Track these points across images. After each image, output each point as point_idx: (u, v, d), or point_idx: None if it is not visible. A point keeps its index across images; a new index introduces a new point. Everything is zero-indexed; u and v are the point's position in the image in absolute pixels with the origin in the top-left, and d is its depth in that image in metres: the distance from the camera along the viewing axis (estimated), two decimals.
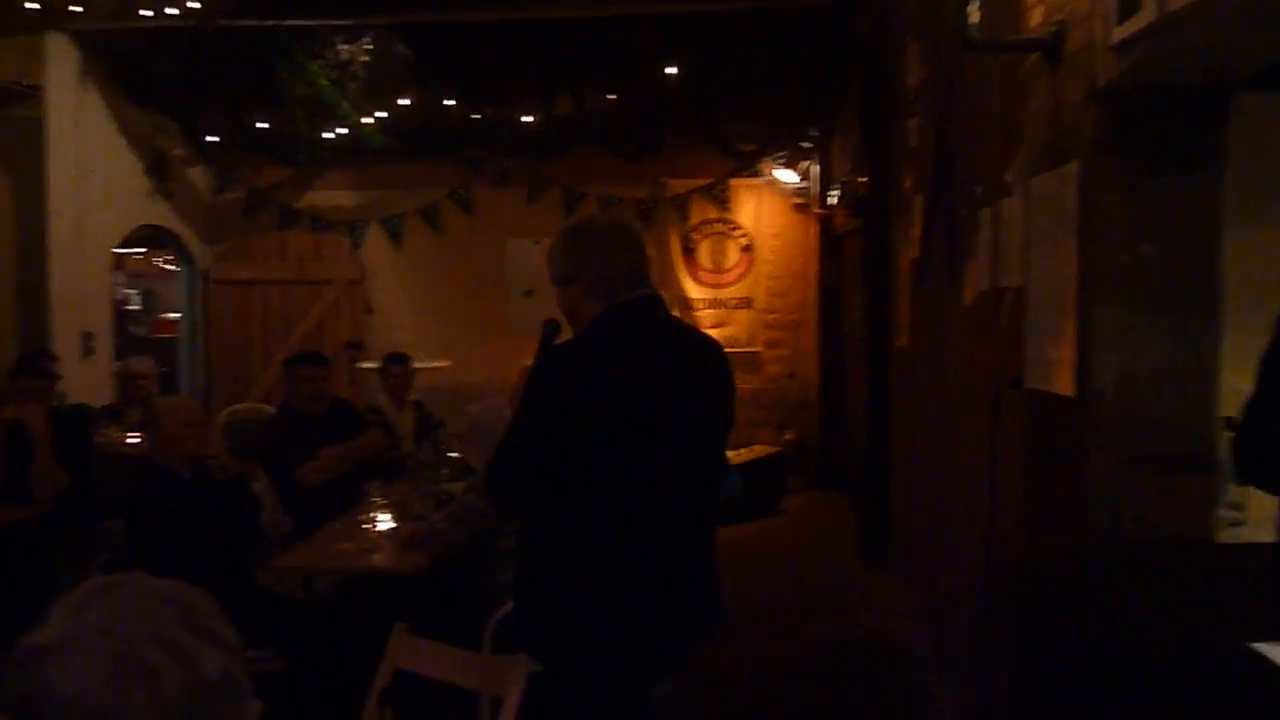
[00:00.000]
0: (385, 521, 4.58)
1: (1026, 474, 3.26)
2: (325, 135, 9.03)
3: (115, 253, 11.25)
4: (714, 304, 9.76)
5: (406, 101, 8.61)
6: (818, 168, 9.31)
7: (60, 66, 7.91)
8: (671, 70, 7.98)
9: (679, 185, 9.72)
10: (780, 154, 9.42)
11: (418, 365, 9.22)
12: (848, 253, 8.69)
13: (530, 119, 8.81)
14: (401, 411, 6.57)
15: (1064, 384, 2.83)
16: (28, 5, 7.19)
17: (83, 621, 1.13)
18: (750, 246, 9.74)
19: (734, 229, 9.75)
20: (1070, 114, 2.83)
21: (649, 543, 2.68)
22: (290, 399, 5.53)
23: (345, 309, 10.06)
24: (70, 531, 5.09)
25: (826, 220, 9.16)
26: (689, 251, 9.78)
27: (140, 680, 1.10)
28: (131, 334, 12.84)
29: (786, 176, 9.50)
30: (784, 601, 6.35)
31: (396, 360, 6.70)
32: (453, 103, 8.71)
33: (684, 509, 2.74)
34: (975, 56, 3.78)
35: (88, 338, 8.34)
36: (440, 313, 10.03)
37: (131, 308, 13.91)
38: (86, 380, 7.85)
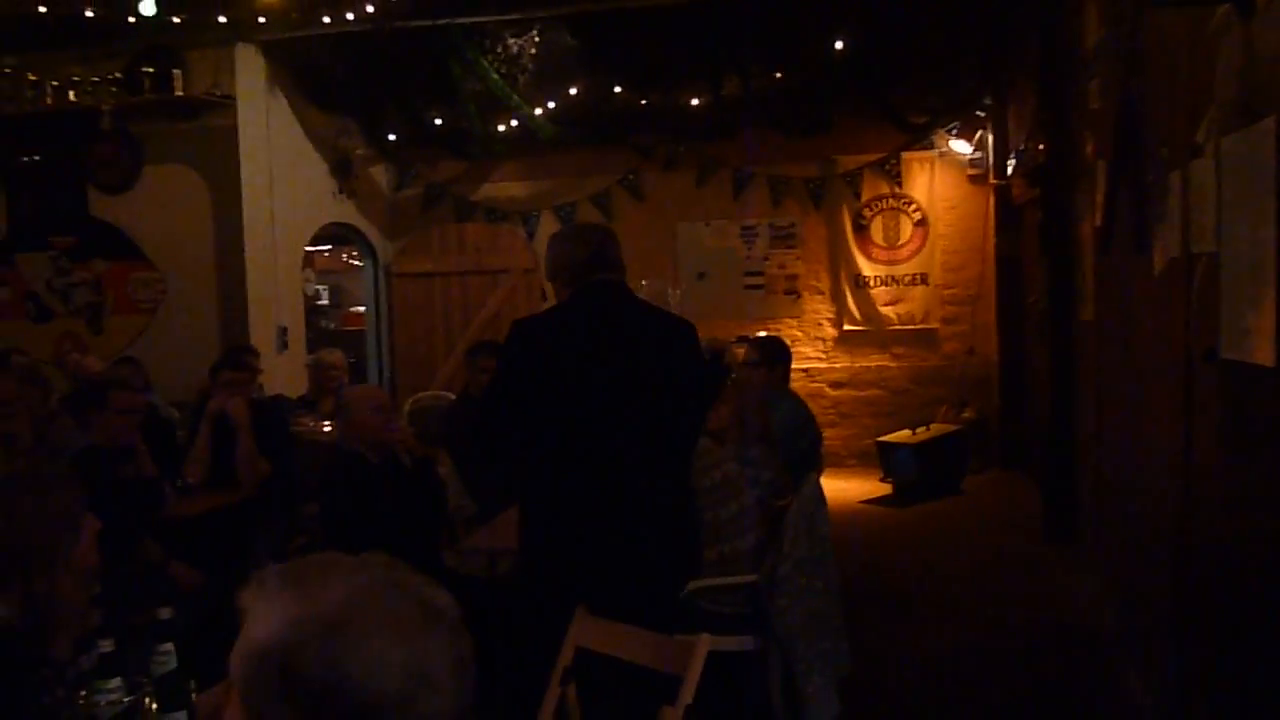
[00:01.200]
0: None
1: (1223, 449, 3.10)
2: (498, 128, 9.27)
3: (305, 251, 11.87)
4: (888, 281, 9.58)
5: (575, 91, 8.75)
6: (993, 137, 9.02)
7: (249, 76, 8.33)
8: (838, 44, 7.85)
9: (849, 161, 9.57)
10: (953, 124, 9.17)
11: None
12: (1027, 223, 8.40)
13: (697, 101, 8.83)
14: None
15: (1263, 354, 2.68)
16: (219, 19, 7.59)
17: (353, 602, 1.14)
18: (924, 221, 9.52)
19: (907, 203, 9.54)
20: (1264, 68, 2.67)
21: (587, 486, 3.19)
22: (471, 386, 5.70)
23: (521, 297, 10.28)
24: (271, 515, 5.38)
25: (1003, 191, 8.87)
26: (861, 229, 9.63)
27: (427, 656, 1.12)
28: (322, 328, 13.41)
29: (960, 147, 9.25)
30: (967, 584, 6.21)
31: (485, 351, 6.74)
32: (620, 90, 8.80)
33: (617, 458, 3.18)
34: (1159, 11, 3.60)
35: (282, 332, 8.78)
36: None
37: (321, 303, 14.53)
38: (282, 372, 8.27)
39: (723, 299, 9.88)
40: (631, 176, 9.98)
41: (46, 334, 8.75)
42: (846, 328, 9.72)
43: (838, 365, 9.77)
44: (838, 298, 9.73)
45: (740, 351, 5.51)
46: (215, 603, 4.75)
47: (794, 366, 9.72)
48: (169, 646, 2.18)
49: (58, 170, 8.64)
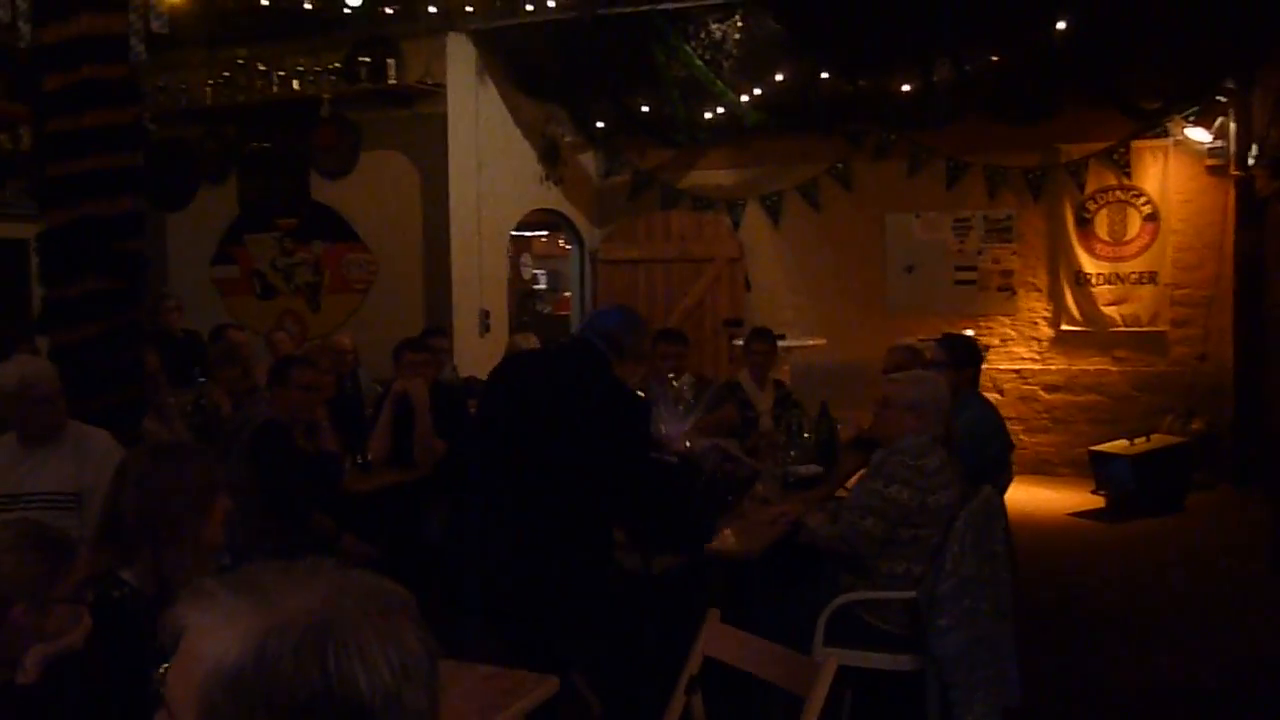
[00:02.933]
0: None
1: None
2: (703, 115, 9.16)
3: (524, 236, 12.12)
4: (1112, 279, 8.93)
5: (781, 77, 8.54)
6: (1235, 124, 8.25)
7: (460, 65, 8.51)
8: (1060, 24, 7.34)
9: (1073, 150, 8.97)
10: (1190, 110, 8.44)
11: (791, 343, 9.20)
12: (1271, 219, 7.66)
13: (908, 88, 8.46)
14: (762, 390, 6.51)
15: None
16: (429, 9, 7.78)
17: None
18: (1155, 215, 8.81)
19: (1136, 196, 8.86)
20: None
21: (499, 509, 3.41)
22: (651, 374, 5.62)
23: (725, 286, 10.16)
24: (444, 496, 5.46)
25: (1245, 183, 8.11)
26: (1084, 222, 9.01)
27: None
28: (538, 312, 13.70)
29: (1198, 135, 8.50)
30: (1177, 611, 5.69)
31: (759, 337, 6.64)
32: (827, 75, 8.53)
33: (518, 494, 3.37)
34: None
35: (485, 315, 8.96)
36: (818, 290, 9.90)
37: (539, 287, 14.85)
38: (483, 355, 8.42)
39: (932, 294, 9.48)
40: (840, 165, 9.69)
41: (270, 310, 9.23)
42: (1064, 328, 9.12)
43: (1053, 367, 9.20)
44: (1056, 296, 9.15)
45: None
46: (384, 576, 4.86)
47: (1006, 368, 9.29)
48: None
49: (283, 156, 9.09)
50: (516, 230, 11.03)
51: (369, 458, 5.41)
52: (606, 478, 3.39)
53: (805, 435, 5.23)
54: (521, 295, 12.78)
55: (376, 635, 1.04)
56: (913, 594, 3.66)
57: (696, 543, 3.77)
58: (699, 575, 4.43)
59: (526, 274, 13.43)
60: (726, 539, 4.04)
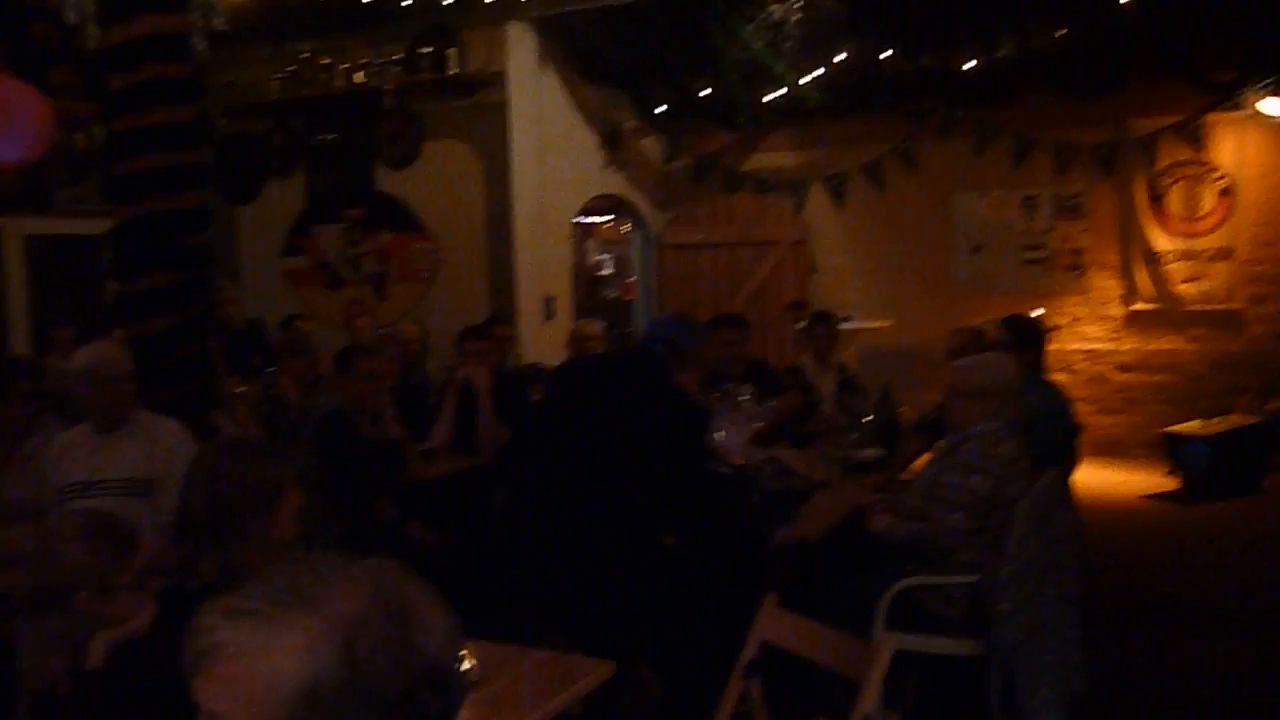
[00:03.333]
0: None
1: None
2: (764, 98, 9.09)
3: (589, 223, 12.14)
4: (1186, 256, 8.72)
5: (842, 57, 8.45)
6: None
7: (520, 53, 8.54)
8: None
9: (1144, 125, 8.75)
10: (1266, 81, 8.17)
11: (855, 326, 9.12)
12: None
13: (973, 64, 8.31)
14: (825, 373, 6.46)
15: None
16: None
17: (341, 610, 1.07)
18: (1230, 190, 8.57)
19: (1210, 171, 8.63)
20: None
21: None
22: (710, 361, 5.61)
23: (789, 269, 10.10)
24: (507, 482, 5.51)
25: None
26: (1157, 199, 8.80)
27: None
28: (604, 298, 13.72)
29: (1274, 108, 8.24)
30: (1252, 596, 5.56)
31: (821, 320, 6.60)
32: (889, 54, 8.42)
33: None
34: None
35: (549, 301, 9.00)
36: (884, 271, 9.80)
37: (605, 273, 14.88)
38: (547, 342, 8.47)
39: (1000, 274, 9.33)
40: (904, 145, 9.56)
41: (338, 300, 9.36)
42: (1136, 307, 8.93)
43: (1125, 347, 9.01)
44: (1127, 274, 8.95)
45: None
46: (449, 563, 4.92)
47: (1076, 348, 9.12)
48: None
49: (348, 148, 9.20)
50: (581, 216, 11.09)
51: (433, 445, 5.48)
52: (662, 486, 3.42)
53: (866, 418, 5.19)
54: (588, 281, 12.81)
55: (424, 605, 1.09)
56: (975, 578, 3.62)
57: (747, 558, 3.77)
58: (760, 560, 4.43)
59: (592, 260, 13.45)
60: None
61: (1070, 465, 4.76)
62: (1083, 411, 8.96)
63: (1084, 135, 8.88)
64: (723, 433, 3.94)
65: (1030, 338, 4.97)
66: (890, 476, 4.91)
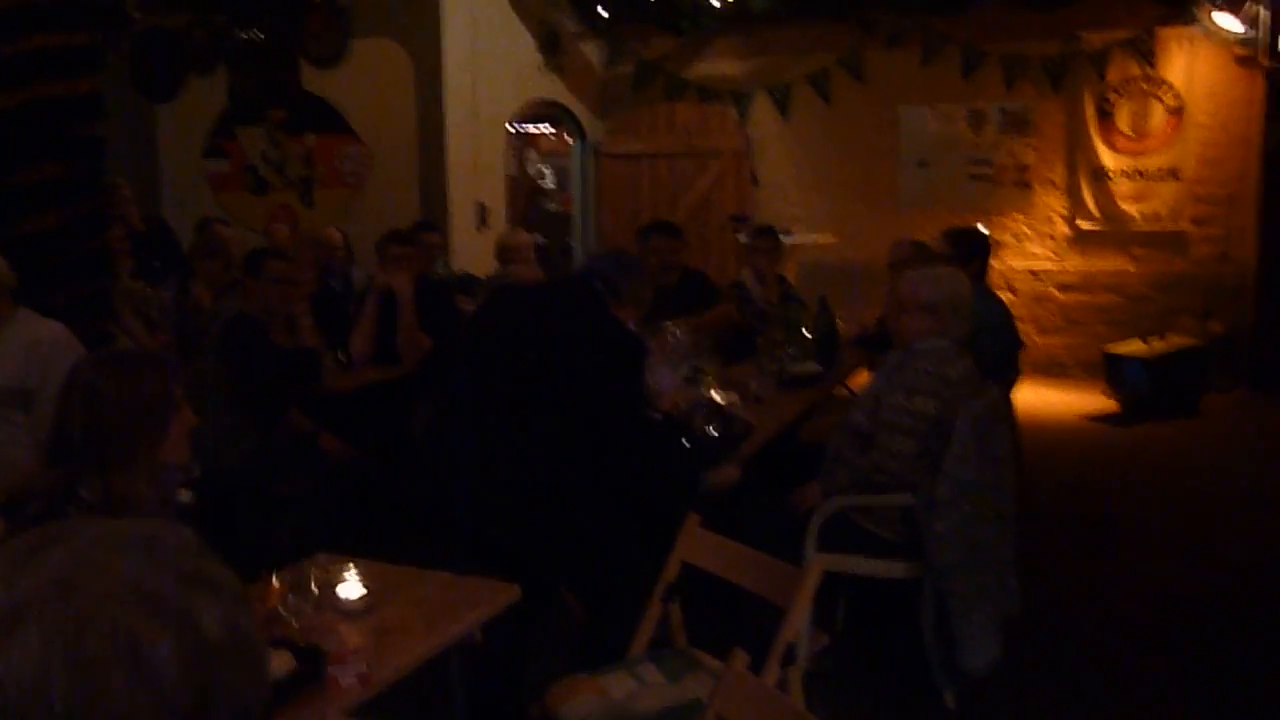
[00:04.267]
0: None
1: None
2: (710, 1, 8.76)
3: (531, 132, 11.76)
4: (1132, 174, 8.57)
5: None
6: (1268, 11, 7.82)
7: None
8: None
9: (1095, 39, 8.52)
10: None
11: (797, 240, 8.93)
12: None
13: None
14: (766, 288, 6.26)
15: None
16: None
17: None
18: (1180, 109, 8.41)
19: (1160, 86, 8.44)
20: None
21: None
22: (647, 295, 5.38)
23: (731, 181, 9.85)
24: (427, 395, 5.28)
25: (1276, 74, 7.72)
26: (1105, 115, 8.61)
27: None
28: (545, 210, 13.39)
29: (1228, 23, 8.05)
30: (1189, 516, 5.51)
31: (762, 234, 6.37)
32: None
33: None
34: None
35: (482, 209, 8.70)
36: (828, 185, 9.58)
37: (546, 185, 14.53)
38: (480, 250, 8.18)
39: (945, 190, 9.14)
40: (851, 55, 9.27)
41: (264, 205, 8.98)
42: (1081, 225, 8.79)
43: (1069, 267, 8.90)
44: (1073, 192, 8.80)
45: None
46: (365, 477, 4.70)
47: (1020, 266, 9.00)
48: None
49: (272, 45, 8.75)
50: (522, 125, 10.72)
51: (351, 354, 5.23)
52: (593, 416, 3.22)
53: (804, 332, 5.00)
54: (528, 192, 12.48)
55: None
56: (909, 497, 3.47)
57: (677, 503, 3.57)
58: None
59: (533, 170, 13.10)
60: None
61: (1012, 381, 4.63)
62: (1024, 331, 8.88)
63: (1034, 48, 8.65)
64: (654, 374, 3.72)
65: (973, 248, 4.80)
66: (825, 392, 4.75)
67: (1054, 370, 8.69)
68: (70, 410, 2.27)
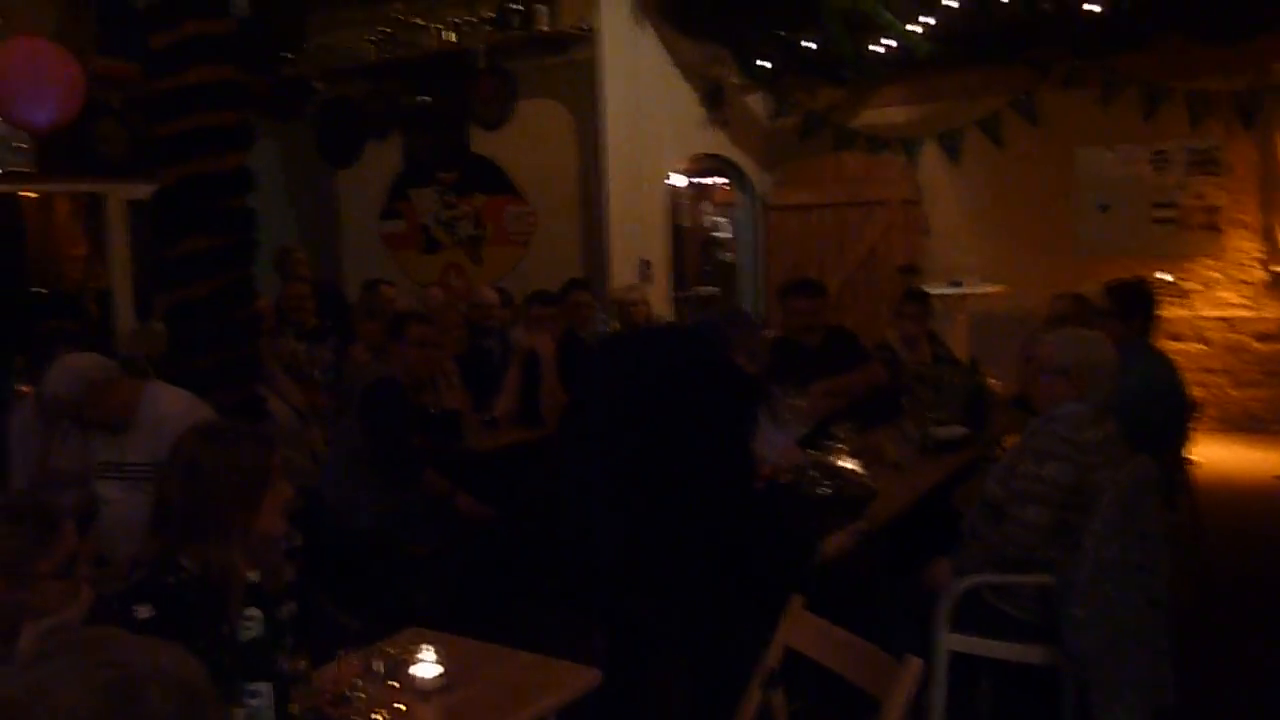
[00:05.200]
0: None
1: None
2: (872, 49, 8.59)
3: (703, 184, 11.79)
4: None
5: (954, 3, 7.89)
6: None
7: (613, 7, 8.24)
8: None
9: None
10: None
11: (968, 291, 8.61)
12: None
13: (1098, 8, 7.66)
14: (914, 352, 6.00)
15: None
16: None
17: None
18: None
19: None
20: None
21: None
22: (785, 329, 5.27)
23: (900, 231, 9.63)
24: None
25: None
26: None
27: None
28: (719, 260, 13.37)
29: None
30: None
31: (912, 299, 5.98)
32: None
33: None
34: None
35: (645, 265, 8.72)
36: (1001, 233, 9.22)
37: (720, 235, 14.52)
38: None
39: (1126, 234, 8.68)
40: (1024, 97, 8.93)
41: (434, 264, 9.27)
42: (1278, 269, 8.18)
43: (1266, 314, 8.27)
44: (1269, 234, 8.19)
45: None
46: (503, 538, 4.70)
47: (1211, 315, 8.43)
48: (255, 612, 1.99)
49: (443, 109, 9.05)
50: (696, 178, 10.75)
51: (496, 415, 5.28)
52: (709, 453, 3.13)
53: (952, 394, 4.78)
54: (702, 244, 12.49)
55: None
56: (1048, 578, 3.22)
57: (788, 575, 3.42)
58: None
59: (707, 221, 13.12)
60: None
61: (1177, 448, 4.28)
62: (1217, 384, 8.36)
63: (1221, 83, 8.13)
64: (760, 439, 3.59)
65: (1136, 304, 4.47)
66: (974, 457, 4.50)
67: (1250, 425, 8.08)
68: (172, 481, 2.34)
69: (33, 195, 9.04)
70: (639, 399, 3.22)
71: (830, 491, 3.59)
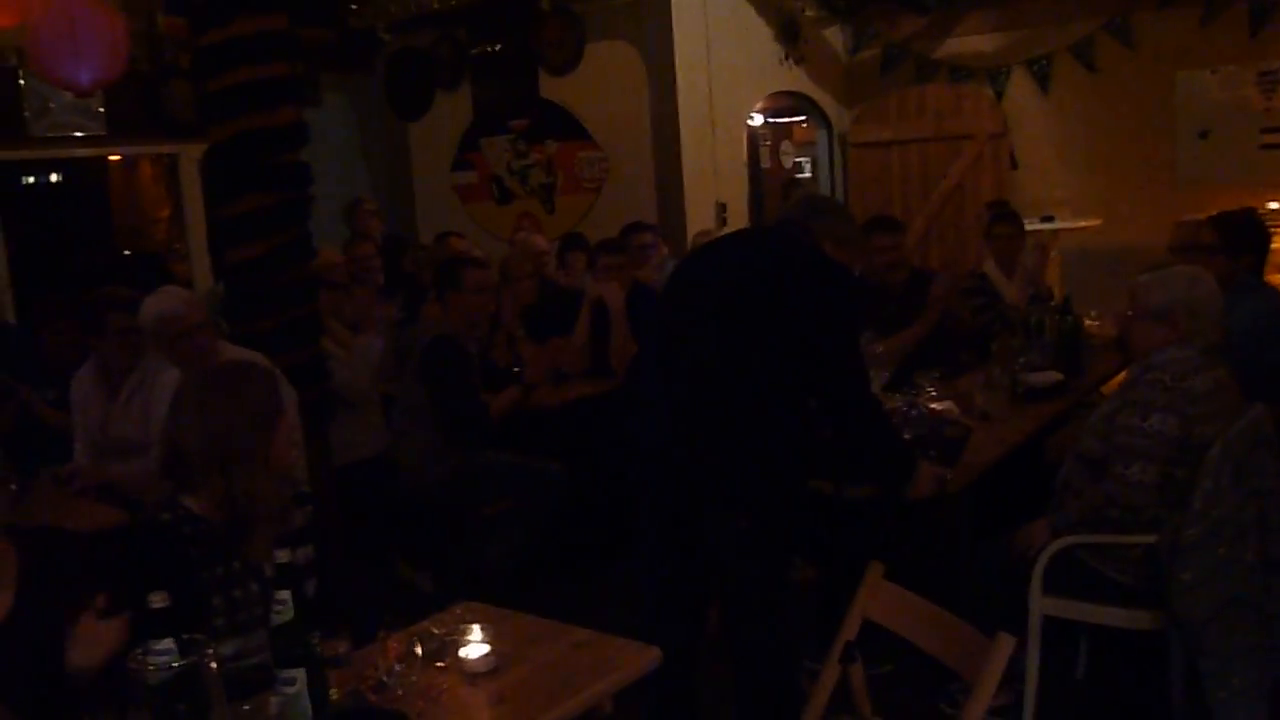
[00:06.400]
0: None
1: None
2: None
3: (783, 123, 11.47)
4: None
5: None
6: None
7: None
8: None
9: None
10: None
11: (1060, 225, 8.23)
12: None
13: None
14: (1012, 279, 5.72)
15: None
16: None
17: None
18: None
19: None
20: None
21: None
22: (866, 270, 5.00)
23: (988, 166, 9.18)
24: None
25: None
26: None
27: None
28: None
29: None
30: None
31: (1002, 220, 5.81)
32: None
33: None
34: None
35: (722, 208, 8.48)
36: (1095, 164, 8.77)
37: (802, 175, 14.17)
38: None
39: (1230, 163, 8.16)
40: (1119, 19, 8.42)
41: (508, 214, 9.13)
42: None
43: None
44: None
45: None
46: (574, 493, 4.56)
47: None
48: (285, 595, 1.86)
49: (511, 56, 8.86)
50: (774, 117, 10.44)
51: (566, 368, 5.13)
52: (809, 350, 2.90)
53: (1046, 336, 4.49)
54: (784, 184, 12.17)
55: None
56: (1151, 539, 2.98)
57: (897, 470, 3.20)
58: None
59: (787, 162, 12.79)
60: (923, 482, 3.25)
61: None
62: None
63: None
64: None
65: (1247, 239, 4.13)
66: (1069, 405, 4.23)
67: None
68: (181, 424, 2.31)
69: (116, 158, 9.09)
70: (727, 312, 2.95)
71: (925, 431, 3.39)
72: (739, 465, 2.90)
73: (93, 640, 1.95)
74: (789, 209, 3.42)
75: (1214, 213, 4.71)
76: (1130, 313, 3.23)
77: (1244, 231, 4.13)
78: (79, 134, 7.41)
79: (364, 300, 5.20)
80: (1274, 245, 7.10)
